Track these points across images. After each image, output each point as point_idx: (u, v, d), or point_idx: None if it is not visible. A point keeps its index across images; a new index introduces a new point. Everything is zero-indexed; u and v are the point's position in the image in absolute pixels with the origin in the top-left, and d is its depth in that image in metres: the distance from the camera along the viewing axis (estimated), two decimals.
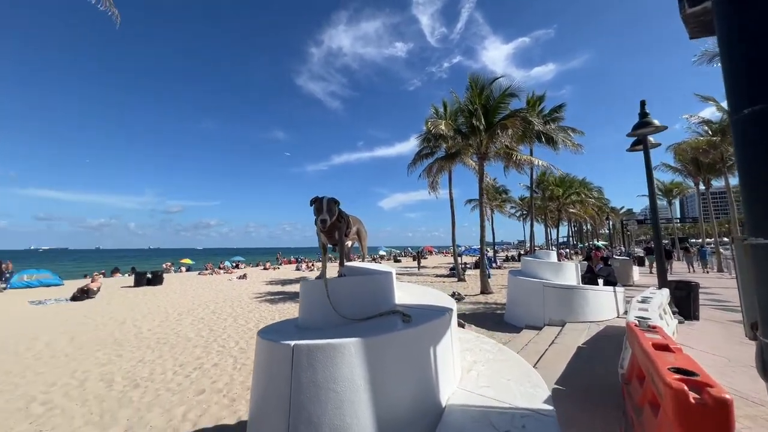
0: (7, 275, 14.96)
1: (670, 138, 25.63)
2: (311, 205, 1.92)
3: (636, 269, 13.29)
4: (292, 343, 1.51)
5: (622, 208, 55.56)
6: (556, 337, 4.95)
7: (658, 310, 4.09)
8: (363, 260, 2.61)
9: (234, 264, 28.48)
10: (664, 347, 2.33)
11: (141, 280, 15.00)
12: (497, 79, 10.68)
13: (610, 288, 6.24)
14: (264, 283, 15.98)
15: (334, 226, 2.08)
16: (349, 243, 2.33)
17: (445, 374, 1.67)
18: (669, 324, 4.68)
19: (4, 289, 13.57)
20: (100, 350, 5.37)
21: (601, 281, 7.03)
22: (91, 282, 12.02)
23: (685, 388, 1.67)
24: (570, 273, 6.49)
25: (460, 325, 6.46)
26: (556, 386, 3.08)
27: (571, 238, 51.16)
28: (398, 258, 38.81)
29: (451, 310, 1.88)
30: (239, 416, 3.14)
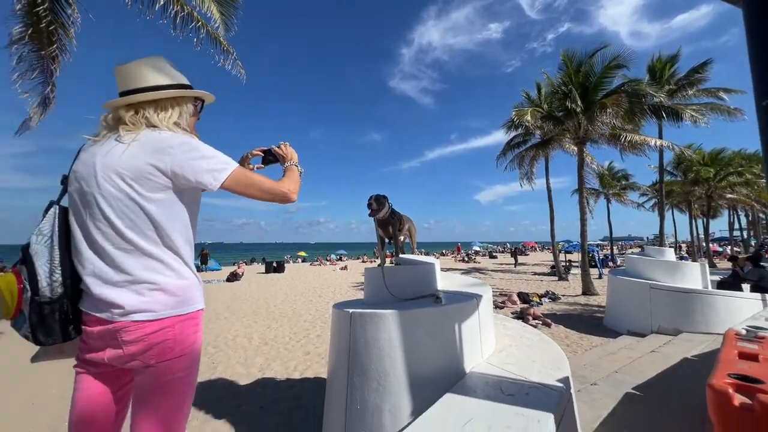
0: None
1: None
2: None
3: None
4: (351, 310, 2.10)
5: None
6: (660, 346, 4.31)
7: None
8: (413, 253, 3.05)
9: (338, 256, 32.20)
10: (750, 357, 2.07)
11: (269, 268, 18.72)
12: (599, 49, 9.25)
13: (757, 295, 4.93)
14: (361, 274, 17.78)
15: (389, 221, 2.60)
16: (401, 238, 2.80)
17: (470, 348, 1.99)
18: None
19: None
20: (244, 317, 7.28)
21: (747, 287, 5.59)
22: (238, 268, 15.73)
23: (730, 390, 1.59)
24: (692, 275, 5.38)
25: (546, 324, 6.17)
26: (633, 391, 2.87)
27: (742, 232, 38.04)
28: (494, 254, 36.87)
29: (481, 296, 2.16)
30: None
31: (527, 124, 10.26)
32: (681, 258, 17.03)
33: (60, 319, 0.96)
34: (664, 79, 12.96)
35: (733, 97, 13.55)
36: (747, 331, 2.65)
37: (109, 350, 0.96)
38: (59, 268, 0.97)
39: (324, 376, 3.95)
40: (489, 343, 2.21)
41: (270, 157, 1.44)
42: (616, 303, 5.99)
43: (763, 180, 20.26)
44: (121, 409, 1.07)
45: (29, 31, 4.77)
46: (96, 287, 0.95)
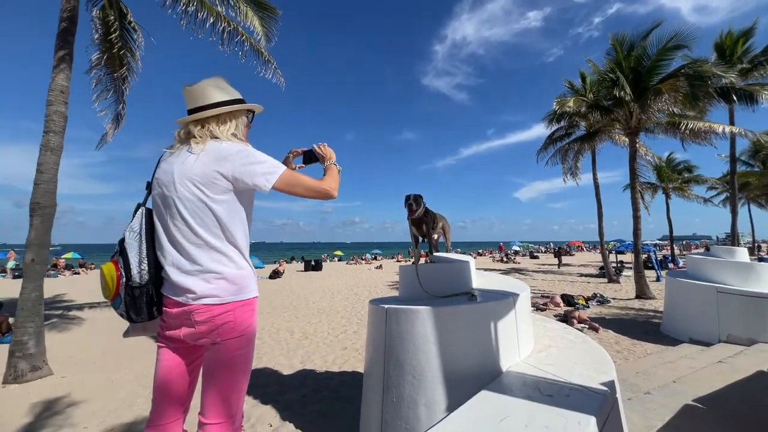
0: None
1: None
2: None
3: None
4: (386, 306, 2.17)
5: None
6: (728, 357, 3.85)
7: None
8: (447, 251, 3.04)
9: (373, 256, 32.62)
10: None
11: (308, 267, 19.50)
12: (653, 28, 8.38)
13: None
14: (396, 273, 17.88)
15: (422, 220, 2.63)
16: (435, 236, 2.81)
17: (507, 347, 1.96)
18: None
19: None
20: (285, 312, 7.70)
21: None
22: (279, 266, 16.61)
23: None
24: None
25: (593, 329, 5.79)
26: (693, 403, 2.62)
27: None
28: (535, 254, 35.06)
29: (517, 295, 2.11)
30: None
31: (570, 110, 9.63)
32: (760, 260, 14.92)
33: (147, 301, 1.16)
34: (735, 57, 11.45)
35: None
36: None
37: (184, 328, 1.15)
38: (146, 259, 1.17)
39: (361, 370, 4.07)
40: (527, 343, 2.16)
41: (311, 157, 1.56)
42: (676, 308, 5.45)
43: None
44: (193, 380, 1.27)
45: (104, 57, 5.47)
46: (174, 275, 1.14)
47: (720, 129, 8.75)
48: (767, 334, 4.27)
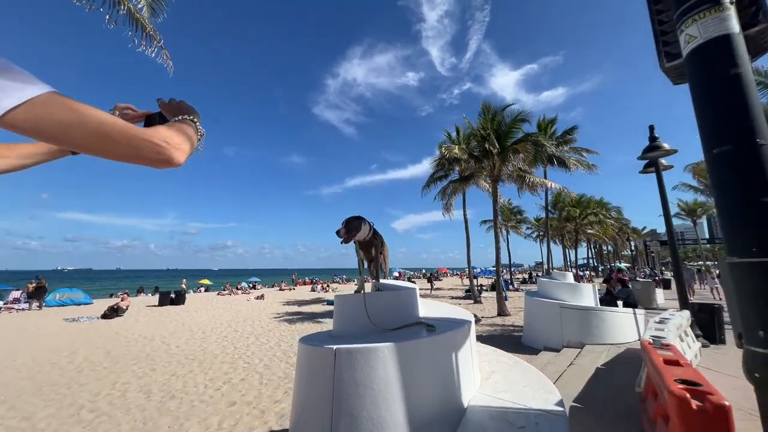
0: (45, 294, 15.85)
1: (690, 157, 25.12)
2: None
3: (660, 292, 12.85)
4: (335, 347, 1.78)
5: (644, 228, 53.84)
6: (574, 359, 4.96)
7: (677, 332, 4.12)
8: (385, 277, 2.87)
9: (251, 285, 29.00)
10: (673, 362, 2.48)
11: (165, 300, 15.56)
12: (508, 106, 11.15)
13: (630, 310, 6.19)
14: (281, 303, 16.26)
15: (371, 242, 2.38)
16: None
17: (467, 379, 1.89)
18: (690, 346, 4.65)
19: (40, 307, 14.38)
20: (135, 364, 5.71)
21: (620, 303, 6.97)
22: (121, 301, 12.61)
23: (687, 395, 1.84)
24: (587, 294, 6.49)
25: None
26: (574, 404, 3.15)
27: (591, 260, 49.63)
28: (412, 279, 38.56)
29: (470, 322, 2.12)
30: (269, 426, 3.35)
31: (456, 155, 11.42)
32: None
33: None
34: (548, 135, 16.25)
35: (590, 156, 17.88)
36: (653, 340, 3.20)
37: None
38: None
39: (260, 431, 3.27)
40: (478, 371, 2.14)
41: (155, 120, 0.81)
42: (533, 322, 6.75)
43: (609, 219, 26.73)
44: None
45: None
46: None
47: (549, 184, 12.11)
48: (590, 337, 5.73)
